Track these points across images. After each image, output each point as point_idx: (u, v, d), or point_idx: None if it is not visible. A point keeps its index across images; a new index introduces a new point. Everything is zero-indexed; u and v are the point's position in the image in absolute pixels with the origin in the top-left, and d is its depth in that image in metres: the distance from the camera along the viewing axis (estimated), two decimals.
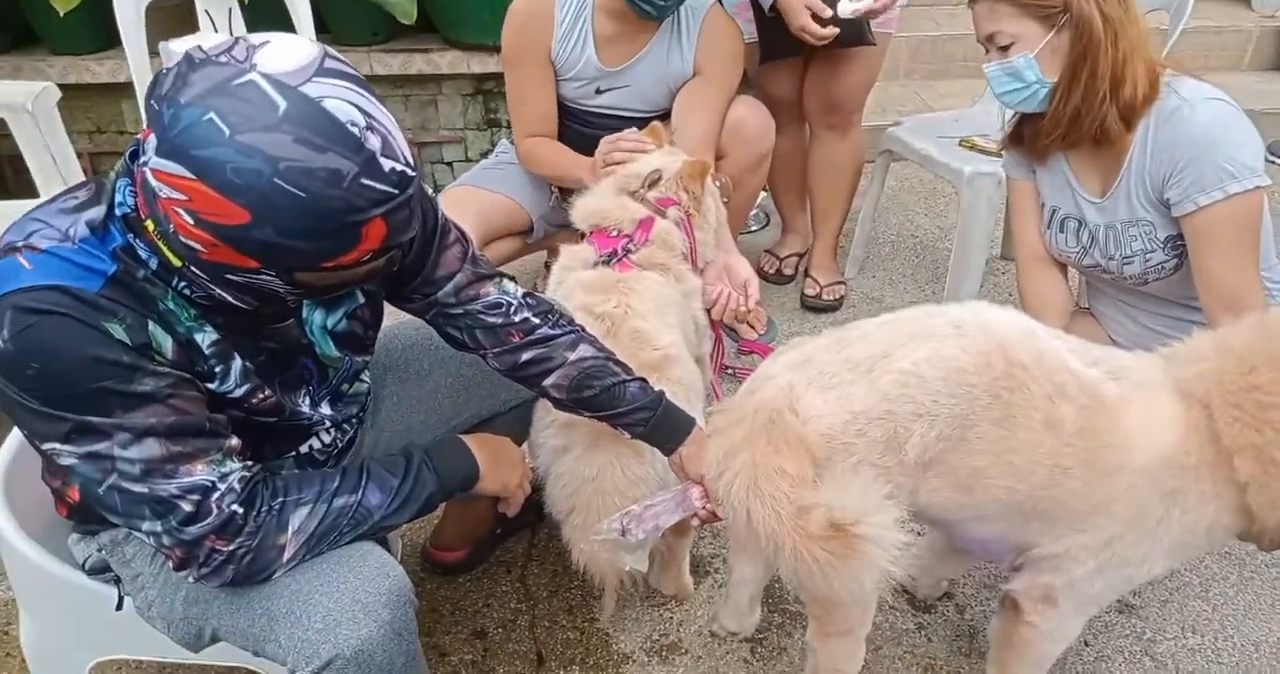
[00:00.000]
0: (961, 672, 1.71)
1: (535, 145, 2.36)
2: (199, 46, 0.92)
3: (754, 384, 1.32)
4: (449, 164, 3.54)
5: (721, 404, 1.37)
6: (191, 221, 0.91)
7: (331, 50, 0.96)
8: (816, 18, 2.24)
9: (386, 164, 0.92)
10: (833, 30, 2.24)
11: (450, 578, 1.88)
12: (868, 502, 1.14)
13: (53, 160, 2.30)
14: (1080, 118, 1.61)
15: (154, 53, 2.60)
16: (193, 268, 0.99)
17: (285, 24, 2.86)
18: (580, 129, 2.39)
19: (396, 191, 0.93)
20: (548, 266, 2.70)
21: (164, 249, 1.00)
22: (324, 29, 3.17)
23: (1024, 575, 1.41)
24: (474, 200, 2.38)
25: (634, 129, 2.18)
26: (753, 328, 2.69)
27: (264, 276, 0.97)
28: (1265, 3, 4.54)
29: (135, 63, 2.71)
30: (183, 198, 0.90)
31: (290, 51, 0.91)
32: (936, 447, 1.24)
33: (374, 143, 0.91)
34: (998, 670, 1.52)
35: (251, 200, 0.88)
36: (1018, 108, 1.72)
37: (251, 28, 2.83)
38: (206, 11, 2.81)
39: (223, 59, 0.89)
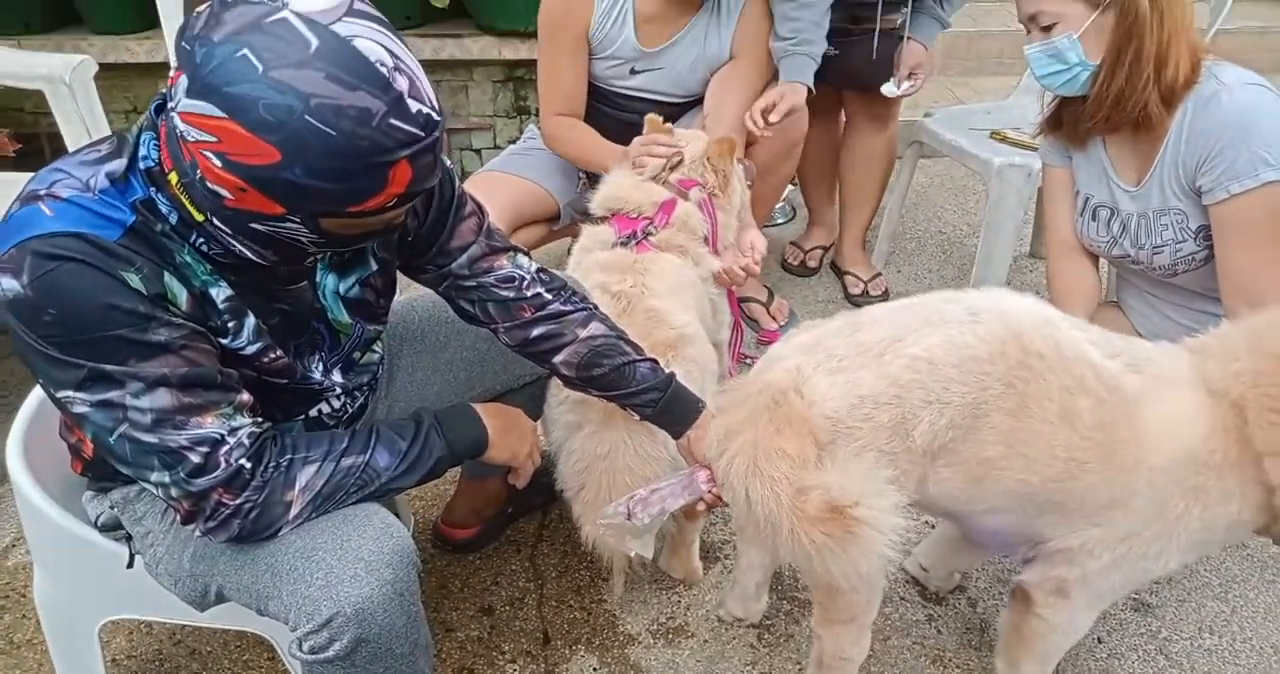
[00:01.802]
0: (971, 665, 1.69)
1: (561, 125, 2.35)
2: None
3: (763, 366, 1.32)
4: (477, 151, 3.55)
5: (728, 384, 1.36)
6: (220, 164, 0.92)
7: None
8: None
9: (414, 106, 0.93)
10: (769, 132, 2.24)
11: (460, 555, 1.89)
12: (868, 485, 1.13)
13: (88, 135, 2.33)
14: (1124, 99, 1.58)
15: None
16: (214, 221, 1.00)
17: None
18: (609, 111, 2.39)
19: (423, 134, 0.94)
20: (571, 253, 2.71)
21: (186, 203, 1.01)
22: None
23: (1036, 567, 1.39)
24: (502, 186, 2.39)
25: (654, 116, 2.16)
26: (773, 318, 2.69)
27: (289, 224, 0.98)
28: None
29: (174, 43, 2.75)
30: (212, 139, 0.91)
31: None
32: (946, 435, 1.23)
33: (402, 84, 0.92)
34: (1006, 663, 1.51)
35: (282, 138, 0.89)
36: (1058, 91, 1.68)
37: None
38: None
39: None
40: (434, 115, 0.96)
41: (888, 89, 2.44)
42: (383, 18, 0.96)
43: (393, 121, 0.91)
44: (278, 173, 0.91)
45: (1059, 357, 1.23)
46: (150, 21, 3.05)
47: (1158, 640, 1.75)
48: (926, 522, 1.88)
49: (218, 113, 0.89)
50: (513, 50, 3.28)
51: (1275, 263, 1.53)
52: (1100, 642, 1.73)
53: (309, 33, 0.89)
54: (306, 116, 0.88)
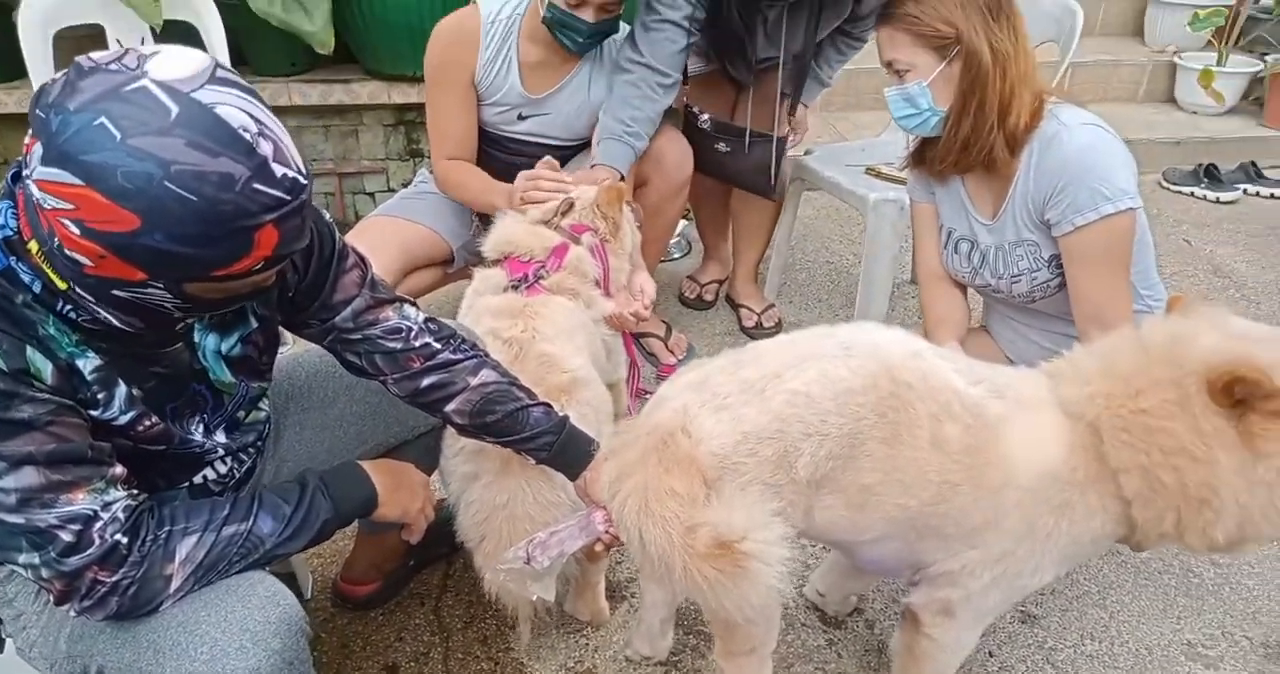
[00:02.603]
0: None
1: (452, 169, 2.36)
2: (88, 56, 0.92)
3: (651, 406, 1.35)
4: (370, 194, 3.52)
5: (618, 427, 1.39)
6: (78, 232, 0.90)
7: (222, 62, 0.97)
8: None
9: (279, 170, 0.93)
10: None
11: (362, 612, 1.85)
12: (754, 519, 1.17)
13: None
14: (970, 145, 1.70)
15: None
16: (77, 288, 0.98)
17: None
18: (500, 155, 2.42)
19: (289, 197, 0.95)
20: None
21: (49, 272, 0.99)
22: (241, 60, 3.15)
23: (922, 589, 1.45)
24: (393, 230, 2.38)
25: (549, 158, 2.21)
26: (671, 352, 2.74)
27: (152, 290, 0.97)
28: (1158, 37, 4.79)
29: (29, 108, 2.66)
30: (69, 207, 0.89)
31: (181, 60, 0.92)
32: (827, 465, 1.28)
33: (266, 148, 0.92)
34: None
35: (141, 205, 0.88)
36: (912, 132, 1.80)
37: None
38: (118, 40, 2.77)
39: (113, 67, 0.90)
40: (300, 178, 0.96)
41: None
42: (246, 85, 0.96)
43: (257, 186, 0.92)
44: (137, 239, 0.90)
45: (926, 386, 1.30)
46: (18, 70, 2.93)
47: (1044, 650, 1.83)
48: (820, 548, 1.94)
49: (75, 181, 0.88)
50: (402, 94, 3.28)
51: (1119, 287, 1.65)
52: (991, 655, 1.81)
53: (169, 101, 0.89)
54: (166, 183, 0.87)
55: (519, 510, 1.55)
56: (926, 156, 1.83)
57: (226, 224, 0.91)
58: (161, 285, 0.96)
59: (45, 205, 0.91)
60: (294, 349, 1.39)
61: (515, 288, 1.87)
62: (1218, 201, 3.94)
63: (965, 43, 1.63)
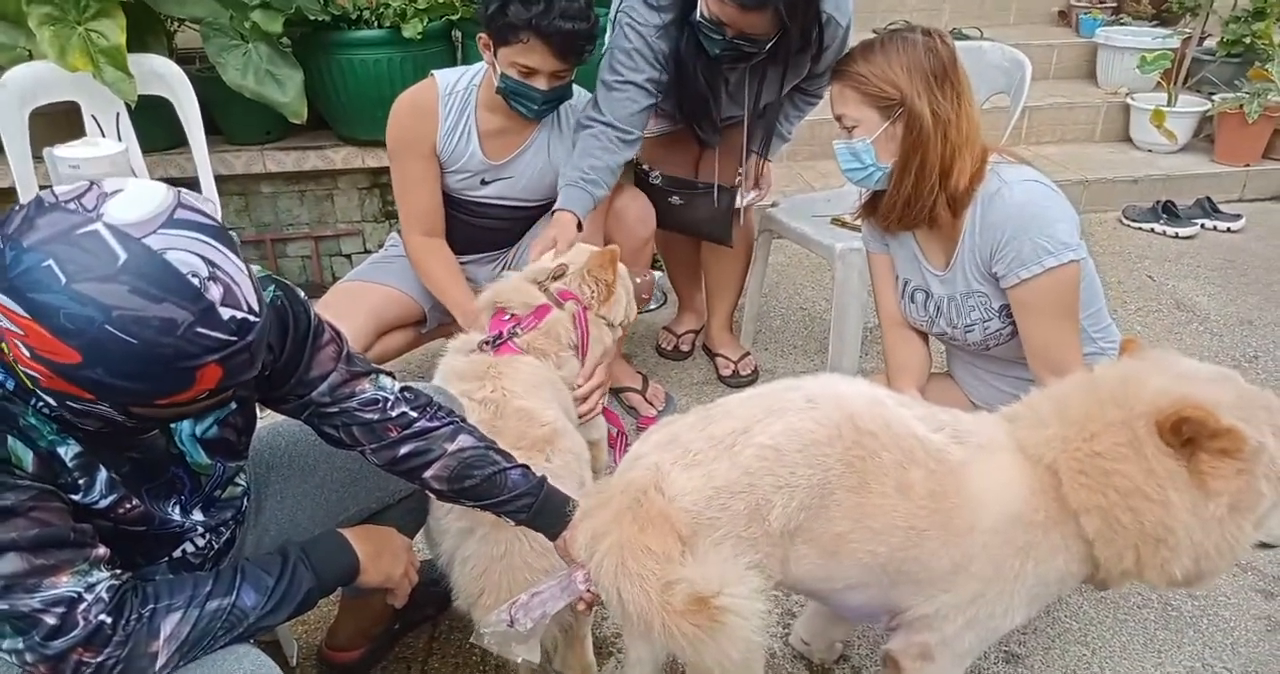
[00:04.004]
0: None
1: (424, 249, 2.41)
2: (51, 191, 0.95)
3: (625, 465, 1.38)
4: (348, 256, 3.57)
5: (592, 487, 1.42)
6: (28, 354, 0.94)
7: (188, 197, 0.99)
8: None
9: (227, 313, 0.96)
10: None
11: None
12: (728, 573, 1.19)
13: None
14: (912, 203, 1.76)
15: (39, 158, 2.60)
16: (38, 391, 1.02)
17: (174, 126, 2.90)
18: (466, 218, 2.47)
19: (235, 339, 0.97)
20: None
21: (17, 371, 1.02)
22: (215, 130, 3.21)
23: (900, 635, 1.47)
24: (365, 294, 2.43)
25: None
26: (650, 404, 2.77)
27: (101, 407, 1.00)
28: (1109, 80, 4.96)
29: (18, 169, 2.70)
30: (19, 332, 0.93)
31: (141, 201, 0.95)
32: (799, 516, 1.31)
33: (215, 293, 0.95)
34: None
35: (82, 344, 0.91)
36: (858, 184, 1.87)
37: (140, 131, 2.86)
38: (94, 116, 2.83)
39: (71, 206, 0.93)
40: (250, 318, 0.99)
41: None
42: (209, 222, 0.99)
43: (199, 330, 0.94)
44: (79, 371, 0.93)
45: (889, 434, 1.34)
46: None
47: None
48: (802, 597, 1.96)
49: (23, 313, 0.91)
50: (375, 158, 3.34)
51: (1069, 333, 1.71)
52: None
53: (118, 246, 0.91)
54: (107, 326, 0.90)
55: (517, 560, 1.57)
56: (877, 208, 1.89)
57: (166, 364, 0.94)
58: (108, 406, 1.00)
59: (1, 323, 0.94)
60: (272, 419, 1.41)
61: (490, 343, 1.90)
62: (1176, 237, 4.04)
63: (908, 106, 1.69)
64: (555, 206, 2.29)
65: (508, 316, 1.99)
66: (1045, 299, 1.68)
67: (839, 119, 1.80)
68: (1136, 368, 1.38)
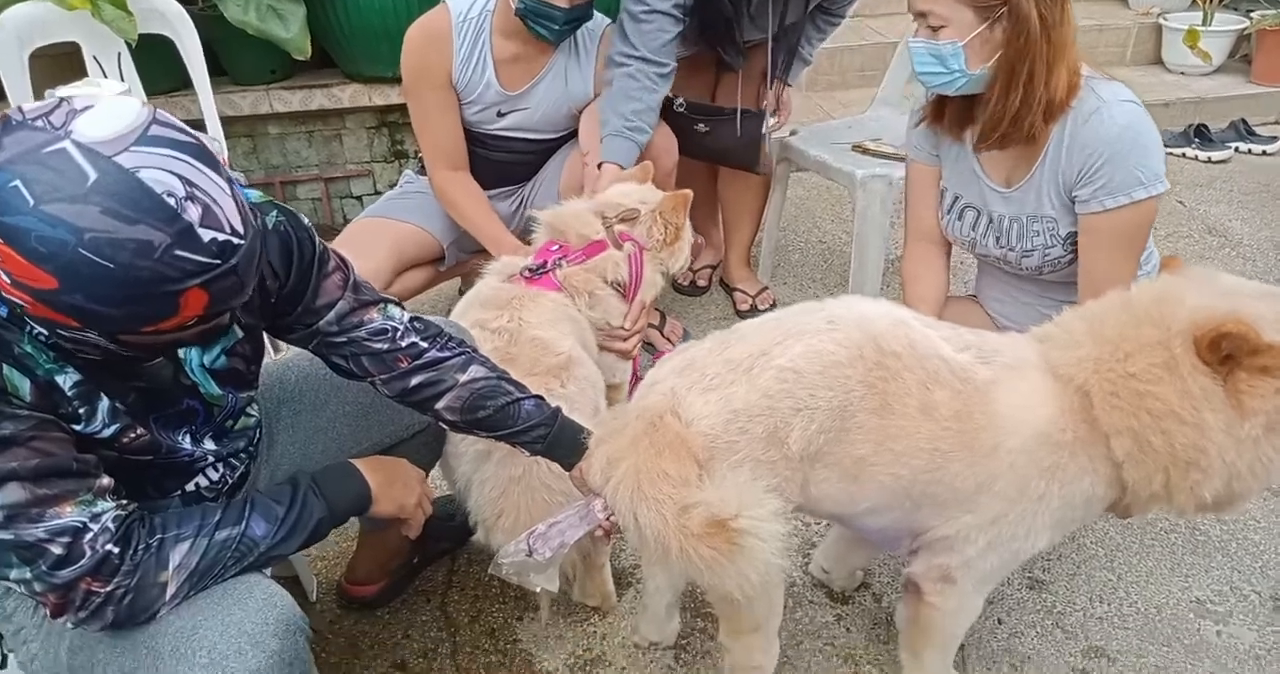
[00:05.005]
0: (881, 659, 1.75)
1: (451, 183, 2.36)
2: (19, 108, 0.91)
3: (641, 392, 1.35)
4: (358, 198, 3.53)
5: (607, 414, 1.39)
6: (9, 281, 0.90)
7: (164, 115, 0.95)
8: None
9: (207, 234, 0.92)
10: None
11: (368, 612, 1.86)
12: (746, 496, 1.17)
13: None
14: (1020, 120, 1.60)
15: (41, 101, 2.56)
16: (28, 318, 0.99)
17: (177, 67, 2.83)
18: (483, 152, 2.42)
19: (218, 262, 0.93)
20: (462, 293, 2.71)
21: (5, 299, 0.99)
22: (220, 70, 3.15)
23: (921, 558, 1.45)
24: (383, 231, 2.38)
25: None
26: (668, 340, 2.74)
27: (89, 334, 0.97)
28: (1141, 1, 4.76)
29: None
30: None
31: (112, 118, 0.90)
32: (819, 439, 1.28)
33: (193, 213, 0.91)
34: (909, 653, 1.56)
35: (57, 268, 0.87)
36: (934, 89, 1.69)
37: (142, 73, 2.80)
38: (95, 57, 2.77)
39: (39, 123, 0.89)
40: (233, 240, 0.94)
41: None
42: (186, 139, 0.94)
43: (178, 252, 0.90)
44: (59, 297, 0.90)
45: (913, 354, 1.29)
46: None
47: (1053, 615, 1.83)
48: (823, 525, 1.94)
49: None
50: (383, 96, 3.28)
51: (1129, 272, 1.62)
52: (1000, 623, 1.81)
53: (88, 165, 0.87)
54: (80, 250, 0.87)
55: (534, 481, 1.56)
56: (949, 114, 1.74)
57: (146, 288, 0.90)
58: (95, 333, 0.96)
59: None
60: (282, 354, 1.39)
61: (533, 272, 1.87)
62: (1209, 161, 3.92)
63: (1013, 6, 1.53)
64: (599, 159, 2.23)
65: (556, 247, 1.94)
66: (1120, 231, 1.60)
67: (922, 16, 1.61)
68: (1175, 285, 1.32)
